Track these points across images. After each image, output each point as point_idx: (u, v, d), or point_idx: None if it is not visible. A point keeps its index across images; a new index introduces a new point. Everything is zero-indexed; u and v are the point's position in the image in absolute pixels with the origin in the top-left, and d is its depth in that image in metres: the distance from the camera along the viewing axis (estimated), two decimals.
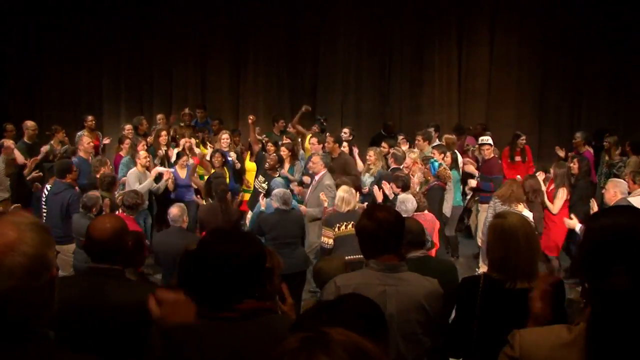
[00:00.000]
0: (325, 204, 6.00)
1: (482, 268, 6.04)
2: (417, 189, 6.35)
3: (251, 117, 7.72)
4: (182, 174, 7.34)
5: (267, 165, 6.89)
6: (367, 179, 7.14)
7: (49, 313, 1.36)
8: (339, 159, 7.31)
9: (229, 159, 7.79)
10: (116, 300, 2.32)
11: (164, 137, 8.14)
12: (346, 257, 3.96)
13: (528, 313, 2.39)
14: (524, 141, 8.44)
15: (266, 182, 6.76)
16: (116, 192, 6.20)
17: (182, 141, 7.98)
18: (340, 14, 11.53)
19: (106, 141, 8.79)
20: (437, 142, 8.21)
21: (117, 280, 2.42)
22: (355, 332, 1.37)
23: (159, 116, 9.12)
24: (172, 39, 11.81)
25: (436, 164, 6.95)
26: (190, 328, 1.78)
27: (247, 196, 7.39)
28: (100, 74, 12.01)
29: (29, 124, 8.15)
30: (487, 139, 7.62)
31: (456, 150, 8.10)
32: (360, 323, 1.42)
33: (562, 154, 8.24)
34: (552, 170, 6.69)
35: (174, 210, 5.08)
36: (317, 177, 6.51)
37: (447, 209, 7.20)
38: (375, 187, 6.29)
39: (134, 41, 11.82)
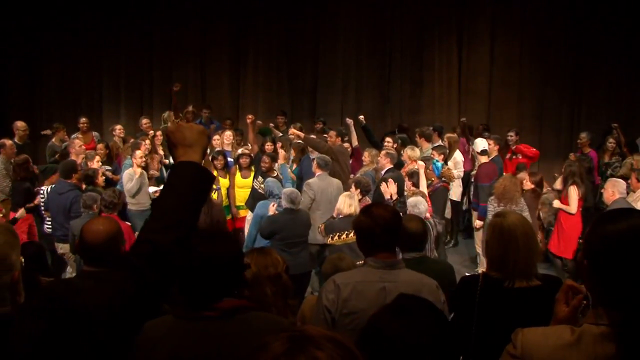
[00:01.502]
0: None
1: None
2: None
3: (250, 117, 7.67)
4: None
5: (262, 168, 6.90)
6: None
7: (9, 311, 1.33)
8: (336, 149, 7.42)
9: (230, 160, 7.78)
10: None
11: (159, 138, 8.17)
12: None
13: (527, 312, 2.39)
14: (511, 138, 8.39)
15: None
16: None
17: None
18: (340, 14, 11.52)
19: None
20: (438, 142, 8.20)
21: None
22: (430, 331, 1.43)
23: (145, 121, 9.08)
24: (172, 39, 11.80)
25: (439, 164, 6.93)
26: (169, 327, 1.78)
27: (242, 212, 7.15)
28: (100, 74, 12.01)
29: (19, 124, 8.16)
30: (481, 143, 7.54)
31: (458, 150, 8.09)
32: (431, 321, 1.47)
33: (572, 157, 8.10)
34: (562, 171, 6.60)
35: None
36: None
37: (447, 210, 7.21)
38: (384, 184, 6.24)
39: (134, 41, 11.82)
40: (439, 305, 2.42)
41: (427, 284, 2.47)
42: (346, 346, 0.98)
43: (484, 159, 7.27)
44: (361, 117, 8.53)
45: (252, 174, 7.21)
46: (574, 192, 6.30)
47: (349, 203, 5.29)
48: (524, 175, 6.69)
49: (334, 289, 2.44)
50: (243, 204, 7.07)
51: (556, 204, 6.42)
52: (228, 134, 8.18)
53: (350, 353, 0.97)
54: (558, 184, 6.75)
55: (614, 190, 5.54)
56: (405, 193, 5.94)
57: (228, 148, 8.03)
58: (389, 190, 5.66)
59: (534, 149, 8.14)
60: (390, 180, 5.90)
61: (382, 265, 2.44)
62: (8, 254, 1.31)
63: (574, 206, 6.28)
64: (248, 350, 0.98)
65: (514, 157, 8.12)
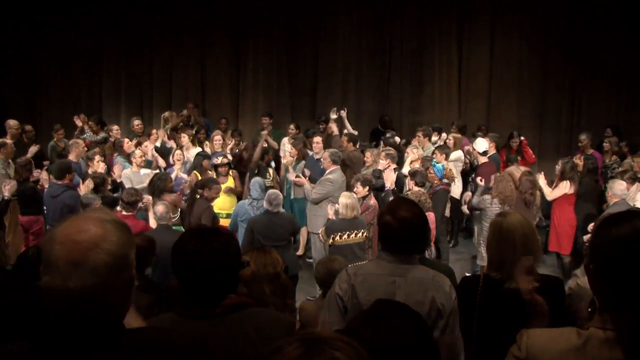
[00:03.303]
0: (307, 185, 6.51)
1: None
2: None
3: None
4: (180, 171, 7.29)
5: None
6: None
7: (125, 311, 1.35)
8: (352, 155, 7.48)
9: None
10: None
11: (154, 136, 8.20)
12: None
13: (525, 314, 2.39)
14: (517, 140, 8.40)
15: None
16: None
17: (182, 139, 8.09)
18: (340, 13, 11.50)
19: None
20: (438, 142, 8.21)
21: None
22: (404, 338, 1.45)
23: (136, 122, 9.08)
24: (172, 39, 11.80)
25: (439, 165, 6.94)
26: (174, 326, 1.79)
27: (224, 222, 6.66)
28: (100, 73, 12.01)
29: (12, 123, 8.11)
30: (479, 143, 7.52)
31: (460, 150, 8.10)
32: (407, 327, 1.48)
33: (578, 158, 8.09)
34: (557, 167, 6.61)
35: (160, 208, 5.00)
36: (326, 173, 6.62)
37: (447, 210, 7.20)
38: (386, 171, 6.37)
39: (134, 41, 11.82)
40: (443, 299, 2.42)
41: (438, 281, 2.44)
42: (355, 346, 0.99)
43: (483, 159, 7.29)
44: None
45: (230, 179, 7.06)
46: (565, 186, 6.34)
47: (352, 206, 5.27)
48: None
49: (347, 278, 2.44)
50: (223, 211, 6.80)
51: (541, 180, 6.46)
52: (217, 137, 8.16)
53: (361, 353, 0.99)
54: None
55: (613, 193, 5.60)
56: (408, 192, 5.93)
57: (219, 150, 8.05)
58: (390, 178, 6.03)
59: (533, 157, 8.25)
60: (389, 170, 6.25)
61: (394, 259, 2.42)
62: (127, 252, 1.31)
63: (551, 194, 6.36)
64: (249, 345, 0.99)
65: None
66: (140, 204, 5.61)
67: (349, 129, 8.35)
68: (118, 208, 5.47)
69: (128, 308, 1.36)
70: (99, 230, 1.27)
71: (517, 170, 6.65)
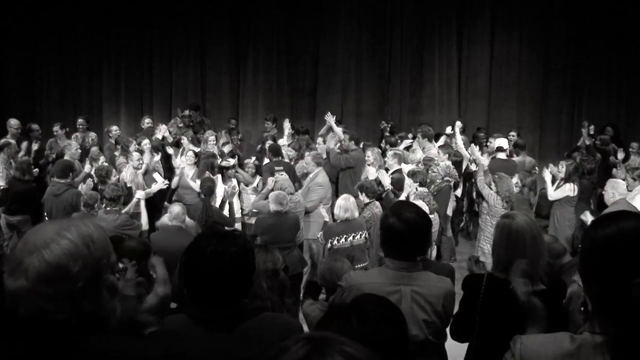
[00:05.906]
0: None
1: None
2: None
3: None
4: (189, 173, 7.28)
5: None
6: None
7: (92, 320, 1.30)
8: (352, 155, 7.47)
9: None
10: None
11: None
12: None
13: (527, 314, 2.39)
14: (513, 138, 8.45)
15: None
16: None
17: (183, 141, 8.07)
18: (340, 13, 11.51)
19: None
20: (436, 143, 8.23)
21: None
22: (381, 331, 1.46)
23: (147, 120, 9.09)
24: (172, 39, 11.80)
25: (442, 164, 6.96)
26: (187, 327, 1.78)
27: None
28: (100, 74, 12.00)
29: (13, 122, 8.08)
30: (499, 140, 7.57)
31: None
32: (385, 327, 1.48)
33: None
34: (561, 169, 6.63)
35: (176, 209, 4.93)
36: (310, 176, 6.51)
37: (449, 209, 7.21)
38: (380, 172, 6.45)
39: (134, 41, 11.82)
40: (448, 306, 2.44)
41: (441, 287, 2.44)
42: (358, 344, 1.00)
43: (502, 155, 7.34)
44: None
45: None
46: (569, 188, 6.37)
47: (345, 207, 5.23)
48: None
49: (347, 288, 2.44)
50: None
51: (547, 176, 6.51)
52: (211, 138, 8.14)
53: (366, 350, 0.99)
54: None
55: (613, 192, 5.51)
56: (410, 192, 5.92)
57: (212, 150, 8.06)
58: (384, 178, 6.09)
59: None
60: (383, 171, 6.33)
61: (398, 267, 2.41)
62: (67, 264, 1.25)
63: (555, 195, 6.41)
64: (264, 350, 0.99)
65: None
66: (136, 199, 5.66)
67: (338, 133, 8.21)
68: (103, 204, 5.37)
69: (100, 319, 1.32)
70: (49, 236, 1.26)
71: (521, 164, 6.79)
